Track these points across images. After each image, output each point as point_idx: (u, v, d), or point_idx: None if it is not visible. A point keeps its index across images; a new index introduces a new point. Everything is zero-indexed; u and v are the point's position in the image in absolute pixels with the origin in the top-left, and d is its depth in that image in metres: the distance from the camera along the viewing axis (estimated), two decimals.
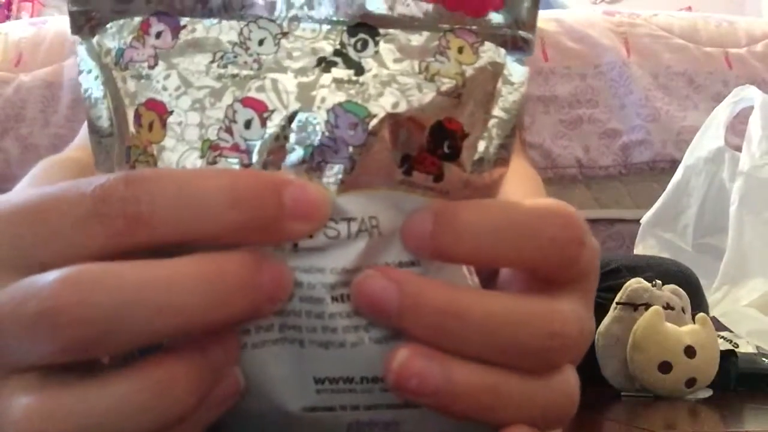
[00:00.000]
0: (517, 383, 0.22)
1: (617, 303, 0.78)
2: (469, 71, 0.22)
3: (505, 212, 0.22)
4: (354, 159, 0.21)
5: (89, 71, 0.23)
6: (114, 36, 0.22)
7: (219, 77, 0.21)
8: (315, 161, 0.21)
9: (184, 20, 0.22)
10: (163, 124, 0.21)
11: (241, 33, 0.22)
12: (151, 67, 0.22)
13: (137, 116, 0.22)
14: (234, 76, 0.21)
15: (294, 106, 0.21)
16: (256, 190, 0.20)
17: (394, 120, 0.21)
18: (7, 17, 2.47)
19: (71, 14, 0.23)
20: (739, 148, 1.22)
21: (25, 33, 1.57)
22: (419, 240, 0.21)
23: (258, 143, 0.21)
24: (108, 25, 0.23)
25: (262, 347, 0.22)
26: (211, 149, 0.21)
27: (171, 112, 0.22)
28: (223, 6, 0.22)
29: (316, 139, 0.21)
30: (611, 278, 0.97)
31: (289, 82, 0.21)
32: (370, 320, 0.21)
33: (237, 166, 0.21)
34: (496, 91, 0.22)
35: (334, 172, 0.21)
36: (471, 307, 0.21)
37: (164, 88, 0.22)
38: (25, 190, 0.25)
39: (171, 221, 0.19)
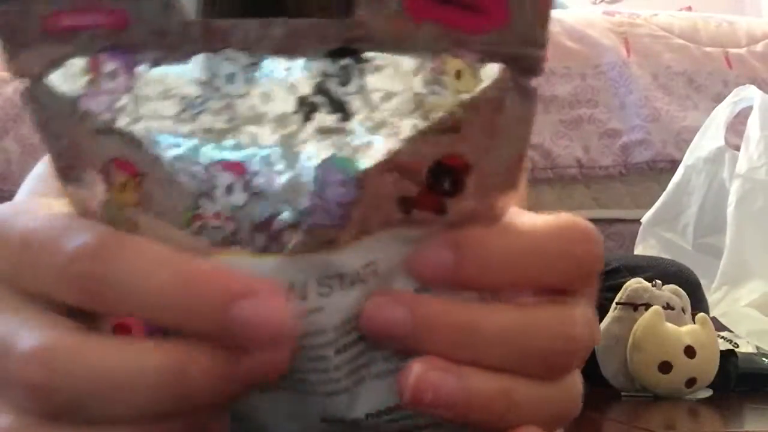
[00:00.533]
0: (530, 389, 0.22)
1: (617, 303, 0.78)
2: (469, 99, 0.19)
3: (529, 237, 0.22)
4: (346, 216, 0.19)
5: (43, 117, 0.21)
6: (64, 78, 0.20)
7: (191, 133, 0.19)
8: (305, 224, 0.19)
9: (139, 55, 0.19)
10: (137, 187, 0.19)
11: (206, 67, 0.19)
12: (113, 120, 0.19)
13: (106, 173, 0.19)
14: (207, 130, 0.19)
15: (278, 166, 0.19)
16: (203, 298, 0.18)
17: (388, 167, 0.19)
18: None
19: (8, 55, 0.20)
20: (739, 148, 1.22)
21: None
22: (440, 271, 0.21)
23: (243, 209, 0.19)
24: (55, 66, 0.20)
25: (267, 392, 0.21)
26: (193, 218, 0.19)
27: (144, 175, 0.19)
28: (182, 34, 0.19)
29: (305, 201, 0.19)
30: (611, 278, 0.97)
31: (268, 136, 0.19)
32: (383, 346, 0.21)
33: (223, 236, 0.19)
34: (500, 115, 0.20)
35: (326, 233, 0.19)
36: (485, 321, 0.21)
37: (132, 146, 0.19)
38: (30, 198, 0.25)
39: (126, 307, 0.19)
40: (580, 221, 0.23)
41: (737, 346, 0.91)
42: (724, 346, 0.89)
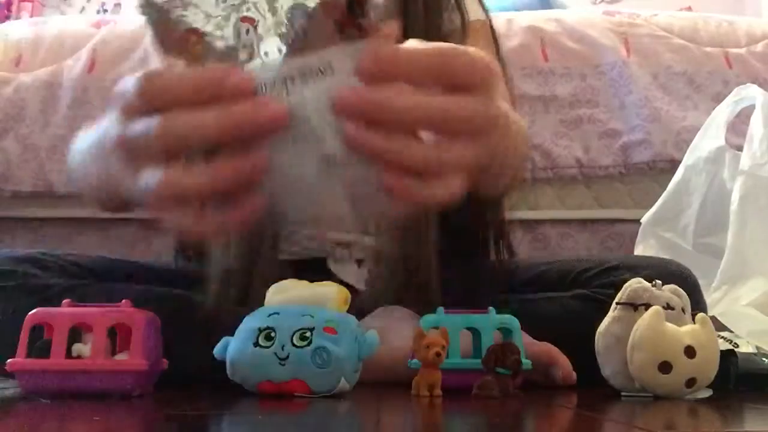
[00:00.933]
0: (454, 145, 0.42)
1: (617, 303, 0.78)
2: None
3: (430, 45, 0.42)
4: (307, 34, 0.41)
5: (150, 18, 0.43)
6: None
7: (224, 9, 0.42)
8: (289, 41, 0.41)
9: None
10: (203, 42, 0.42)
11: None
12: (185, 8, 0.42)
13: (185, 39, 0.42)
14: (232, 6, 0.42)
15: (269, 15, 0.42)
16: (210, 82, 0.41)
17: (324, 5, 0.41)
18: (7, 17, 2.47)
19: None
20: (739, 148, 1.22)
21: (25, 33, 1.57)
22: (372, 67, 0.40)
23: (255, 42, 0.42)
24: None
25: (283, 147, 0.41)
26: (234, 48, 0.42)
27: (205, 34, 0.42)
28: None
29: (283, 28, 0.41)
30: (610, 275, 0.98)
31: (261, 2, 0.42)
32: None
33: (250, 53, 0.42)
34: None
35: (299, 43, 0.41)
36: (417, 102, 0.41)
37: (195, 21, 0.42)
38: None
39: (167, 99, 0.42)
40: (476, 51, 0.43)
41: (737, 346, 0.92)
42: (724, 346, 0.89)
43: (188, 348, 0.84)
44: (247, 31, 0.41)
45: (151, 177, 0.42)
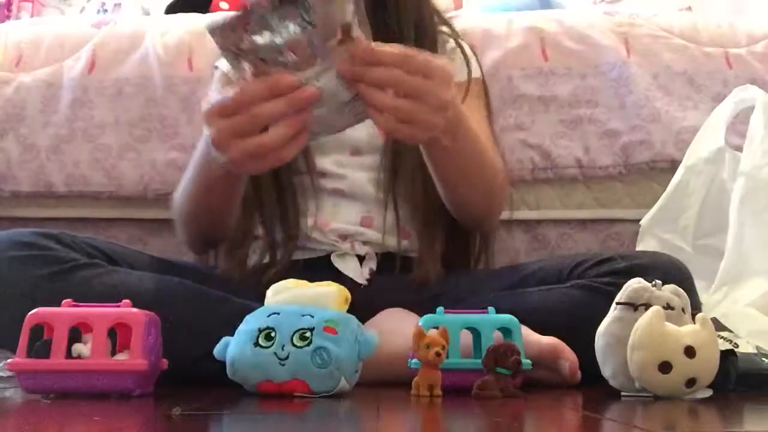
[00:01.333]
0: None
1: (617, 303, 0.78)
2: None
3: (399, 51, 0.81)
4: (322, 50, 0.79)
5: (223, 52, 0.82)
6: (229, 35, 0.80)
7: (275, 46, 0.79)
8: (315, 56, 0.80)
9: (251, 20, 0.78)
10: (267, 63, 0.80)
11: (270, 17, 0.78)
12: (253, 52, 0.79)
13: (254, 64, 0.80)
14: (278, 45, 0.79)
15: (291, 54, 0.81)
16: (279, 90, 0.80)
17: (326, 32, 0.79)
18: (7, 17, 2.47)
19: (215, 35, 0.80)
20: (739, 148, 1.22)
21: (25, 33, 1.57)
22: (359, 57, 0.79)
23: (297, 61, 0.81)
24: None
25: (319, 108, 0.83)
26: (284, 66, 0.81)
27: (267, 61, 0.80)
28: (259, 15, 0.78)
29: (309, 50, 0.80)
30: (606, 265, 0.98)
31: (283, 49, 0.80)
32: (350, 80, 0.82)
33: (297, 69, 0.82)
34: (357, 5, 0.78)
35: (320, 55, 0.80)
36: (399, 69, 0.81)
37: (262, 52, 0.79)
38: None
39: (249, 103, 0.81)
40: (440, 61, 0.86)
41: (737, 346, 0.92)
42: (724, 346, 0.89)
43: (201, 331, 0.87)
44: (291, 56, 0.79)
45: (242, 144, 0.81)
